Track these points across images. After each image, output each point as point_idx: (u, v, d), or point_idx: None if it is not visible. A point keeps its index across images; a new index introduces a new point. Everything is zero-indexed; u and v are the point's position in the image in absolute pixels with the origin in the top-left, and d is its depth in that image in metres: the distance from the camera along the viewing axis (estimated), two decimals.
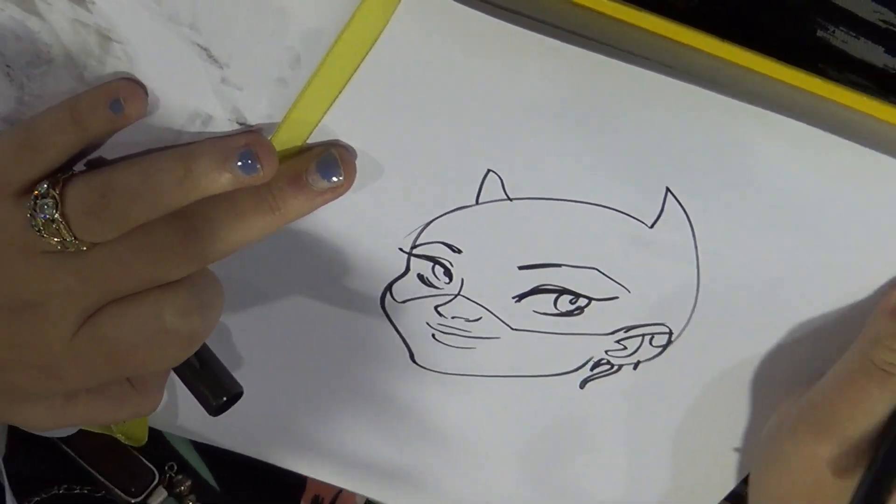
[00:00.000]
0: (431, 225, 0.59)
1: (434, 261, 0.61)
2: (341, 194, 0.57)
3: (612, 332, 0.63)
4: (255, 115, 0.55)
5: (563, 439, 0.70)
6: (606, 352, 0.64)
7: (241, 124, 0.55)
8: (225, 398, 0.61)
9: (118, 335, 0.56)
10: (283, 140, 0.56)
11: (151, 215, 0.55)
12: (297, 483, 0.85)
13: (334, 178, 0.56)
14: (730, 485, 0.71)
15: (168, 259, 0.55)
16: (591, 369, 0.65)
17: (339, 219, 0.60)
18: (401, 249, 0.61)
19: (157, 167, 0.55)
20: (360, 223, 0.60)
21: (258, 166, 0.54)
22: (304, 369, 0.70)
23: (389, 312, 0.64)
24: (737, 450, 0.68)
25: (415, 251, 0.61)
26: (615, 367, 0.65)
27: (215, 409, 0.61)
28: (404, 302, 0.64)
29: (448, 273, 0.61)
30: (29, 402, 0.61)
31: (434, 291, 0.63)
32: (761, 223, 0.57)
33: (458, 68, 0.52)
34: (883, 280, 0.58)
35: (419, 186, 0.58)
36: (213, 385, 0.61)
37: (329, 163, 0.56)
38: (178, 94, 0.55)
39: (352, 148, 0.57)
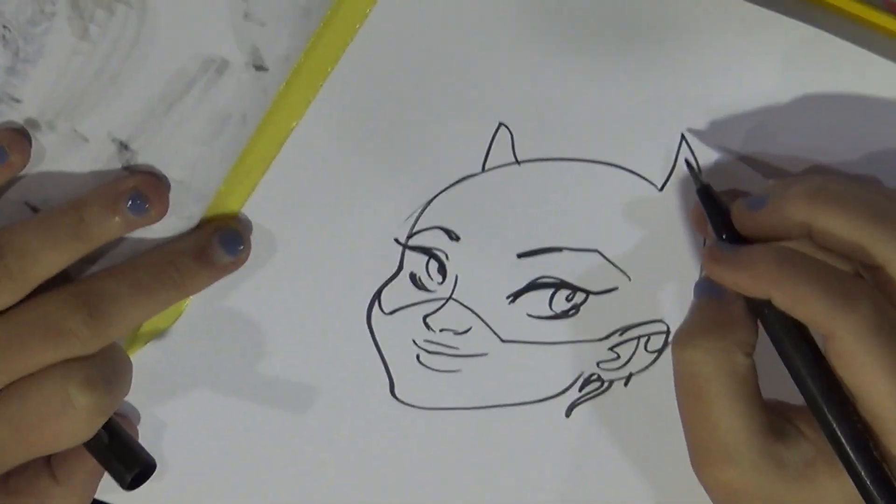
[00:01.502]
0: (432, 204, 0.58)
1: (429, 253, 0.59)
2: (240, 266, 0.58)
3: (607, 337, 0.61)
4: (273, 56, 0.54)
5: (547, 477, 0.66)
6: (598, 364, 0.62)
7: (257, 68, 0.54)
8: (137, 472, 0.59)
9: (23, 413, 0.54)
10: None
11: (51, 271, 0.55)
12: None
13: (238, 249, 0.58)
14: None
15: (71, 342, 0.54)
16: (580, 389, 0.63)
17: (330, 212, 0.58)
18: (396, 241, 0.59)
19: (49, 221, 0.55)
20: (354, 212, 0.58)
21: (147, 206, 0.55)
22: (266, 402, 0.65)
23: (375, 328, 0.61)
24: None
25: (411, 241, 0.59)
26: (605, 385, 0.63)
27: (129, 484, 0.59)
28: (392, 313, 0.61)
29: (442, 270, 0.59)
30: None
31: (425, 296, 0.60)
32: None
33: (469, 7, 0.53)
34: None
35: (424, 154, 0.57)
36: (125, 459, 0.59)
37: (231, 237, 0.58)
38: (194, 38, 0.54)
39: (248, 220, 0.58)
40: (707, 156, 0.56)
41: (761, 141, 0.55)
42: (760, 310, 0.52)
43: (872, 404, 0.49)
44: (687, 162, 0.57)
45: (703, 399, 0.52)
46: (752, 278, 0.51)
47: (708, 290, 0.54)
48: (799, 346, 0.51)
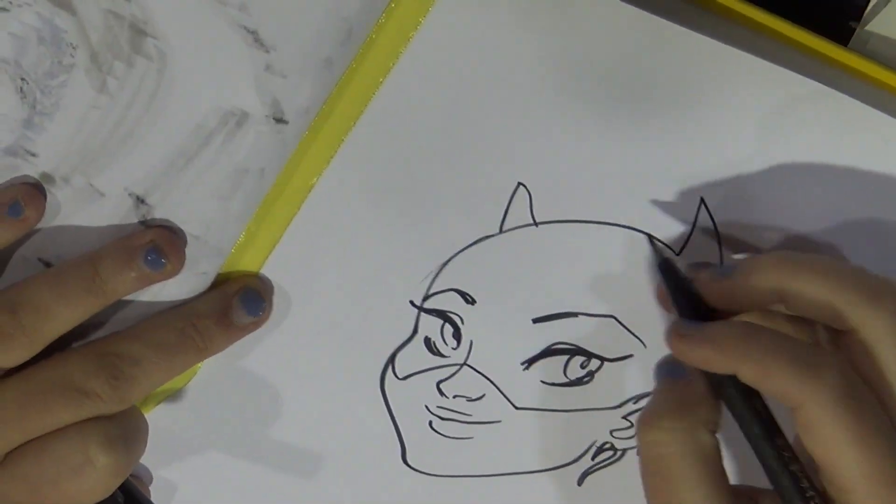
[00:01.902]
0: (448, 265, 0.57)
1: (444, 317, 0.58)
2: (261, 326, 0.58)
3: (621, 405, 0.61)
4: (294, 108, 0.54)
5: None
6: (611, 432, 0.62)
7: (277, 120, 0.53)
8: None
9: (40, 471, 0.54)
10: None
11: (65, 327, 0.54)
12: None
13: (259, 311, 0.57)
14: None
15: (94, 402, 0.54)
16: (593, 458, 0.62)
17: (346, 272, 0.58)
18: (412, 303, 0.58)
19: (63, 276, 0.54)
20: (370, 273, 0.58)
21: (163, 261, 0.55)
22: (277, 466, 0.64)
23: (388, 393, 0.60)
24: None
25: (426, 304, 0.58)
26: (618, 454, 0.62)
27: None
28: (406, 378, 0.60)
29: (457, 334, 0.59)
30: None
31: (439, 362, 0.60)
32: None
33: (496, 59, 0.53)
34: None
35: (442, 214, 0.57)
36: None
37: (252, 298, 0.57)
38: (214, 91, 0.54)
39: (269, 280, 0.58)
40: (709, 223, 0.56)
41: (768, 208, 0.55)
42: (723, 387, 0.51)
43: (838, 476, 0.48)
44: (649, 237, 0.57)
45: (667, 481, 0.51)
46: (719, 353, 0.50)
47: (669, 371, 0.53)
48: (762, 422, 0.51)
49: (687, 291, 0.54)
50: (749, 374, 0.49)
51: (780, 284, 0.51)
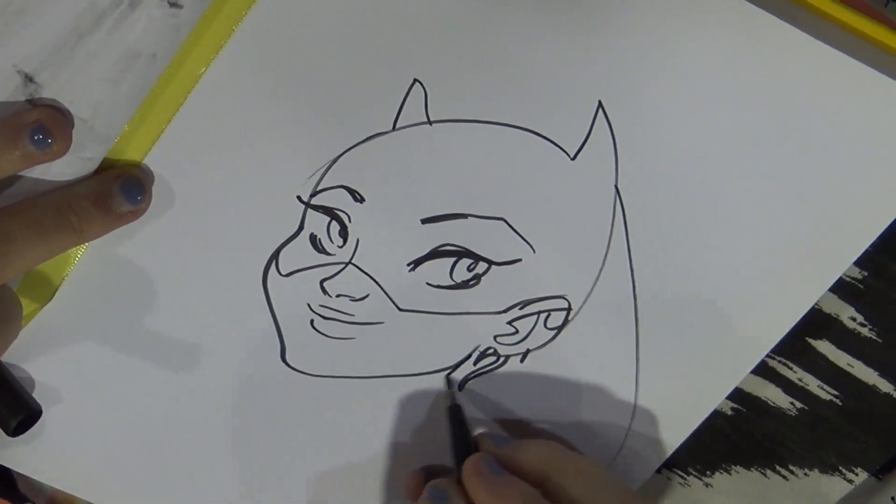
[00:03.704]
0: (339, 161, 0.56)
1: (332, 214, 0.57)
2: (140, 216, 0.56)
3: (506, 310, 0.60)
4: None
5: (431, 449, 0.65)
6: (495, 338, 0.61)
7: (171, 4, 0.52)
8: (22, 417, 0.58)
9: None
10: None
11: None
12: None
13: (138, 199, 0.56)
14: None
15: None
16: (475, 363, 0.61)
17: (233, 165, 0.56)
18: (298, 199, 0.57)
19: None
20: (257, 166, 0.56)
21: (49, 141, 0.53)
22: (155, 360, 0.62)
23: (270, 290, 0.59)
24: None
25: (313, 200, 0.57)
26: (501, 360, 0.62)
27: (13, 430, 0.57)
28: (289, 275, 0.59)
29: (344, 232, 0.58)
30: None
31: (324, 259, 0.59)
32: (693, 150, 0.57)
33: None
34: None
35: (334, 109, 0.55)
36: (10, 404, 0.58)
37: (133, 185, 0.55)
38: None
39: (150, 171, 0.56)
40: None
41: None
42: None
43: None
44: (447, 379, 0.61)
45: None
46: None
47: (438, 497, 0.58)
48: None
49: (464, 439, 0.60)
50: None
51: (543, 473, 0.57)
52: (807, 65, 0.54)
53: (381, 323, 0.60)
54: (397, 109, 0.55)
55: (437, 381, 0.62)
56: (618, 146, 0.56)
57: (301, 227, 0.58)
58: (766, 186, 0.56)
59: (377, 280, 0.59)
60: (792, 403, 0.66)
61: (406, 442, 0.64)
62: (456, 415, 0.60)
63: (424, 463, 0.64)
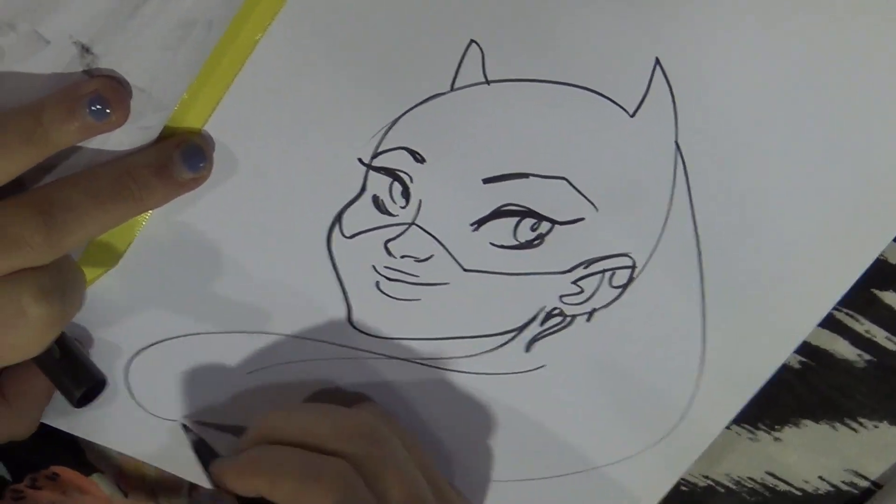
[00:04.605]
0: (398, 123, 0.56)
1: (393, 175, 0.57)
2: (201, 184, 0.57)
3: (571, 269, 0.60)
4: None
5: (511, 418, 0.65)
6: (561, 297, 0.61)
7: None
8: (87, 388, 0.59)
9: None
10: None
11: (4, 178, 0.52)
12: None
13: (200, 166, 0.56)
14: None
15: (24, 251, 0.52)
16: (542, 323, 0.62)
17: (293, 129, 0.57)
18: (360, 161, 0.57)
19: (3, 126, 0.52)
20: (318, 130, 0.57)
21: (108, 112, 0.53)
22: (221, 325, 0.63)
23: (334, 252, 0.60)
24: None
25: (375, 162, 0.57)
26: (567, 320, 0.62)
27: (78, 401, 0.58)
28: (353, 237, 0.59)
29: (406, 193, 0.58)
30: None
31: (387, 220, 0.59)
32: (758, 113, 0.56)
33: None
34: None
35: (392, 71, 0.55)
36: (75, 375, 0.59)
37: (194, 153, 0.56)
38: None
39: (210, 137, 0.56)
40: None
41: None
42: None
43: None
44: (184, 426, 0.64)
45: None
46: (245, 479, 0.57)
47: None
48: None
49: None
50: (268, 491, 0.56)
51: (258, 490, 0.57)
52: (871, 23, 0.53)
53: (447, 284, 0.61)
54: (454, 70, 0.55)
55: (505, 343, 0.63)
56: (677, 102, 0.56)
57: (363, 189, 0.58)
58: (829, 137, 0.56)
59: (441, 240, 0.59)
60: (860, 356, 0.66)
61: (473, 401, 0.65)
62: (201, 446, 0.63)
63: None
